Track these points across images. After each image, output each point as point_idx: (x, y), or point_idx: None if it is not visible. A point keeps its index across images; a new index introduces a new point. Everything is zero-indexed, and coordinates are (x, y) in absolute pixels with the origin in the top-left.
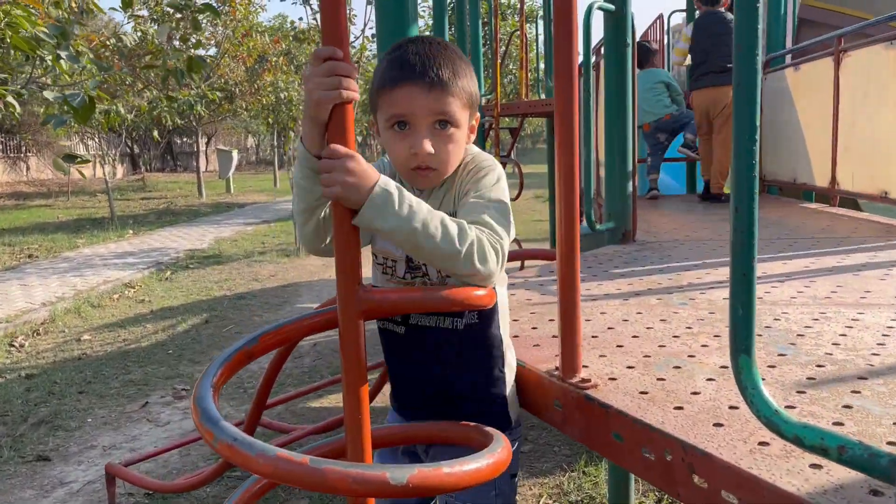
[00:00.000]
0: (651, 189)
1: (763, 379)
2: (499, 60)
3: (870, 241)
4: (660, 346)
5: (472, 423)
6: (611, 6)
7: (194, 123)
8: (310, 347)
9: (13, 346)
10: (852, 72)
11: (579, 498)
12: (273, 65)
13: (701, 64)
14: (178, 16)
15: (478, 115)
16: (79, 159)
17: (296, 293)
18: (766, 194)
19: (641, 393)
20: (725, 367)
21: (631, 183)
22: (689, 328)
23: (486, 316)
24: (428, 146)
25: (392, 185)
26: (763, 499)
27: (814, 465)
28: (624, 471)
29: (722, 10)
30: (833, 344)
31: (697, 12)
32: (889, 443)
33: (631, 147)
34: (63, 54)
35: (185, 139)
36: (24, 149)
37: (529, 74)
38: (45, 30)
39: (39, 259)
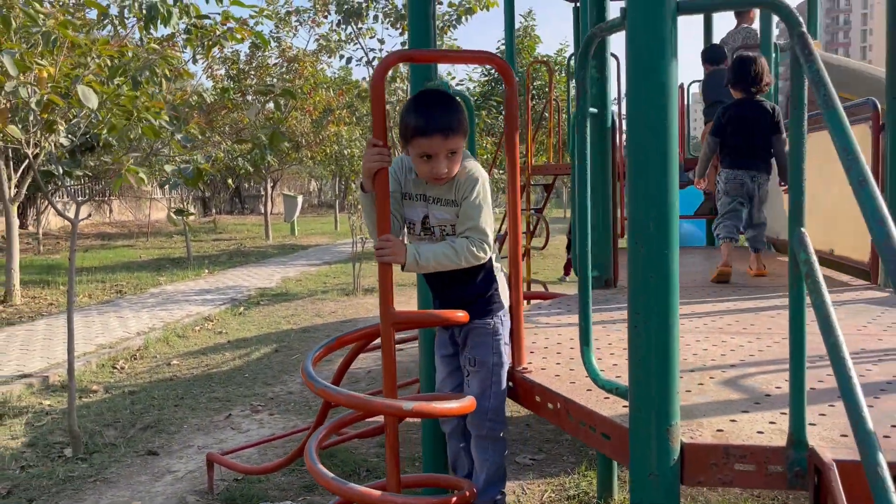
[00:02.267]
0: None
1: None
2: (530, 130)
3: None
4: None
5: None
6: (593, 110)
7: (263, 170)
8: (364, 374)
9: (115, 368)
10: (813, 150)
11: (576, 493)
12: (337, 117)
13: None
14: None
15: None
16: (186, 213)
17: (354, 327)
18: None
19: (555, 376)
20: (616, 365)
21: (613, 235)
22: (609, 344)
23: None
24: (444, 168)
25: (412, 252)
26: (596, 421)
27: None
28: (608, 471)
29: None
30: (693, 354)
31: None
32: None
33: (610, 205)
34: (178, 136)
35: (252, 183)
36: (107, 193)
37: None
38: (167, 119)
39: (128, 294)
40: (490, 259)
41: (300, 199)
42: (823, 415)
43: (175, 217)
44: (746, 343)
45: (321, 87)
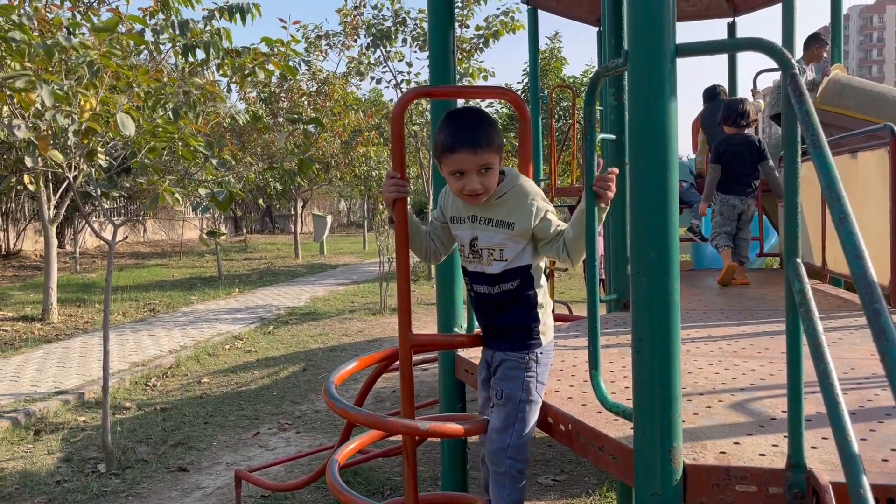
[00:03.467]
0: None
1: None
2: (554, 152)
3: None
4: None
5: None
6: (611, 136)
7: (293, 191)
8: (390, 393)
9: (147, 385)
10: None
11: None
12: (365, 138)
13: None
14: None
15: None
16: (218, 233)
17: (380, 346)
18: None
19: (568, 398)
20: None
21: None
22: (623, 367)
23: (521, 285)
24: (476, 185)
25: None
26: (604, 442)
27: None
28: (628, 492)
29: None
30: (705, 377)
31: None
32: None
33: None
34: (214, 161)
35: (282, 203)
36: (142, 213)
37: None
38: (202, 143)
39: (160, 313)
40: (535, 292)
41: (329, 218)
42: (826, 438)
43: (206, 238)
44: (759, 367)
45: (350, 109)
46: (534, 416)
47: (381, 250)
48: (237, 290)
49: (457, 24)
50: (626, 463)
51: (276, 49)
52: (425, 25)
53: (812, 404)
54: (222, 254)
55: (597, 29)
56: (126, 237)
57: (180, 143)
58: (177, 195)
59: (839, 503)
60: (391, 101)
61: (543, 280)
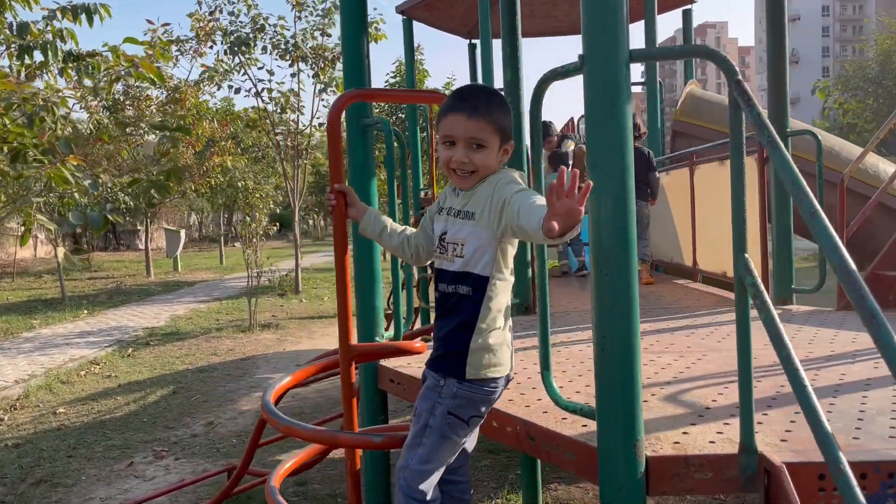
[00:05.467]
0: (580, 268)
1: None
2: (434, 162)
3: (703, 309)
4: (527, 377)
5: None
6: None
7: (143, 205)
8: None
9: None
10: (700, 180)
11: None
12: (221, 148)
13: None
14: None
15: (512, 142)
16: (84, 251)
17: (254, 365)
18: (654, 272)
19: (509, 400)
20: (562, 386)
21: (531, 268)
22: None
23: (473, 296)
24: (463, 157)
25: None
26: (559, 441)
27: (572, 421)
28: (533, 493)
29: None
30: None
31: None
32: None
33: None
34: (87, 182)
35: (127, 218)
36: None
37: None
38: (80, 176)
39: None
40: (483, 314)
41: (183, 233)
42: (759, 423)
43: (72, 257)
44: (673, 361)
45: (204, 118)
46: (439, 451)
47: (248, 264)
48: (85, 311)
49: (318, 33)
50: (584, 459)
51: (145, 52)
52: (287, 33)
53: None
54: (63, 273)
55: (467, 41)
56: None
57: (35, 161)
58: (44, 222)
59: (794, 481)
60: (252, 108)
61: (502, 317)
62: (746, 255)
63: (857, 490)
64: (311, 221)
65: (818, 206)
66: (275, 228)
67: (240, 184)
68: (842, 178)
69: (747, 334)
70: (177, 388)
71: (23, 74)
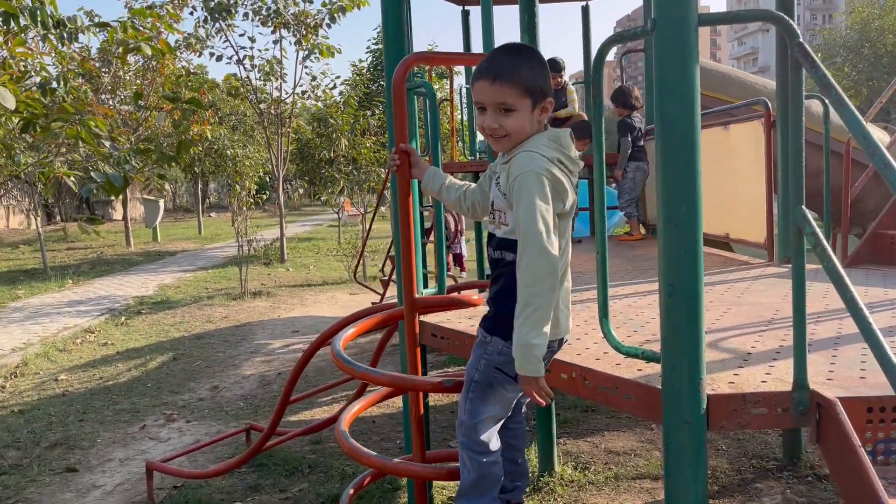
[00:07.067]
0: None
1: (617, 328)
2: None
3: (713, 268)
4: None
5: None
6: None
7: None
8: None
9: None
10: (704, 146)
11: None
12: (200, 116)
13: None
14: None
15: (550, 99)
16: (98, 220)
17: (251, 332)
18: (651, 236)
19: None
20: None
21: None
22: (585, 321)
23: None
24: (493, 123)
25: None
26: (619, 384)
27: (626, 366)
28: (549, 446)
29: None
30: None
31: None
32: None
33: None
34: (107, 144)
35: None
36: None
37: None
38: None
39: None
40: None
41: (162, 203)
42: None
43: (86, 225)
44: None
45: (183, 86)
46: (486, 404)
47: (238, 232)
48: (70, 281)
49: None
50: (643, 400)
51: (153, 24)
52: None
53: (772, 339)
54: (39, 244)
55: (460, 8)
56: None
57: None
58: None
59: (848, 413)
60: (234, 76)
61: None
62: (803, 207)
63: None
64: (288, 191)
65: (890, 159)
66: (265, 197)
67: (229, 152)
68: (847, 143)
69: (802, 281)
70: (176, 354)
71: (10, 42)
